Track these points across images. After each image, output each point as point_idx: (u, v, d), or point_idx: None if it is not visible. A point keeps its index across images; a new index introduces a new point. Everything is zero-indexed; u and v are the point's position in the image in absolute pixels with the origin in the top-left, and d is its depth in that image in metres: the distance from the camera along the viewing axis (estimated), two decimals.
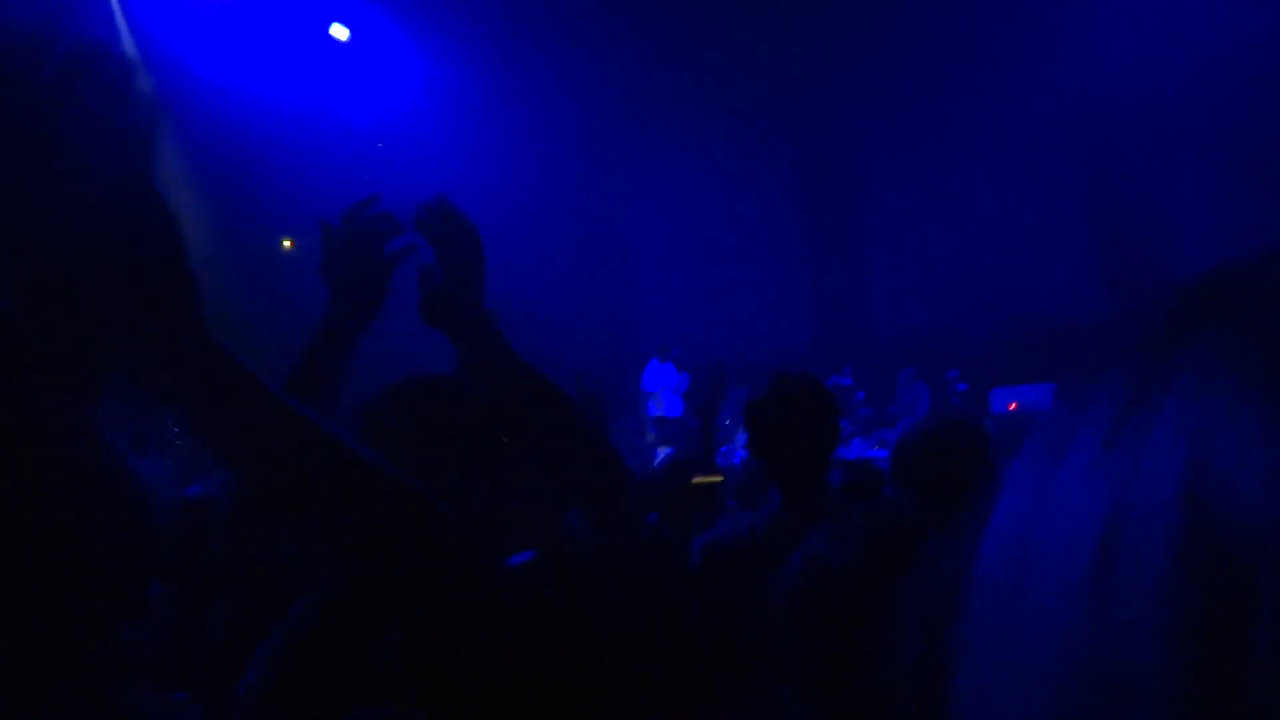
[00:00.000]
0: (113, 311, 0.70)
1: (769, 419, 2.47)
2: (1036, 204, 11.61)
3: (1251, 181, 10.30)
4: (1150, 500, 0.29)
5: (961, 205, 12.22)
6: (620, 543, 2.33)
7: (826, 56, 12.35)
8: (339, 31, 10.53)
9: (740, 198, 13.60)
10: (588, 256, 14.23)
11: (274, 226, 11.16)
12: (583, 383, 2.63)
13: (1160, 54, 10.85)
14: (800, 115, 13.45)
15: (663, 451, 8.63)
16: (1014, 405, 9.02)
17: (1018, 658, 0.31)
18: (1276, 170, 9.95)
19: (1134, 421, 0.31)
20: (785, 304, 13.13)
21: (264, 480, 0.82)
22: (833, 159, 13.28)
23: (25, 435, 0.66)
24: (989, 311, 11.23)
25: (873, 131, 12.91)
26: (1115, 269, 11.33)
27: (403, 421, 1.50)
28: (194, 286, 0.80)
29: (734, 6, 11.46)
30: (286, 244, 11.27)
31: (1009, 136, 11.79)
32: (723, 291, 13.42)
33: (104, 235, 0.70)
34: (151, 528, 0.78)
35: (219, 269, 10.15)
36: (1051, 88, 11.49)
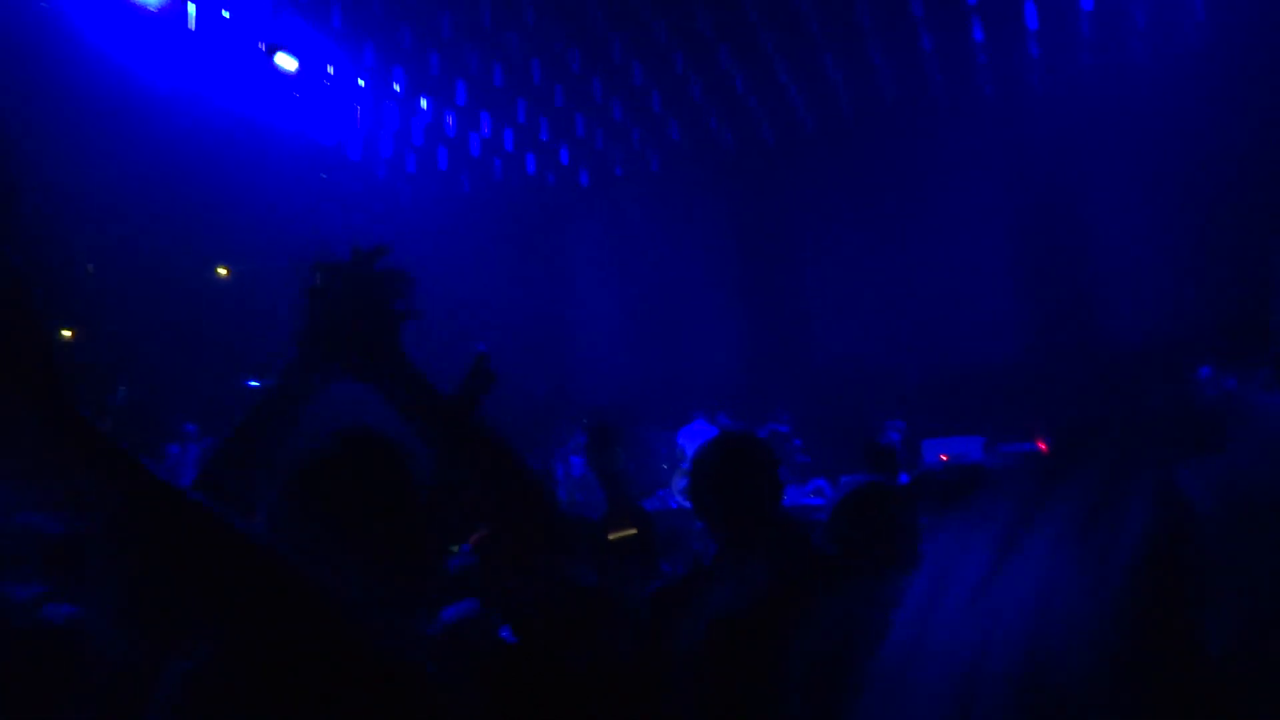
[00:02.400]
0: None
1: (709, 475, 2.48)
2: (972, 260, 11.94)
3: (1179, 240, 10.74)
4: (1004, 649, 0.32)
5: (899, 260, 12.51)
6: (554, 591, 2.33)
7: (768, 110, 12.62)
8: (286, 61, 10.43)
9: (679, 245, 13.76)
10: (525, 300, 14.24)
11: (210, 254, 10.96)
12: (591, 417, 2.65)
13: (1096, 117, 11.31)
14: (741, 166, 13.69)
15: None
16: (945, 457, 9.21)
17: None
18: (1205, 234, 10.41)
19: (1002, 565, 0.34)
20: (723, 351, 13.25)
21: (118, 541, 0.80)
22: (771, 206, 13.52)
23: None
24: (922, 363, 11.48)
25: (812, 184, 13.18)
26: (1045, 326, 11.68)
27: (337, 485, 1.46)
28: (45, 351, 0.74)
29: (677, 64, 11.67)
30: (222, 272, 11.07)
31: (948, 193, 12.13)
32: (657, 338, 13.52)
33: None
34: None
35: (153, 295, 9.92)
36: (989, 147, 11.88)
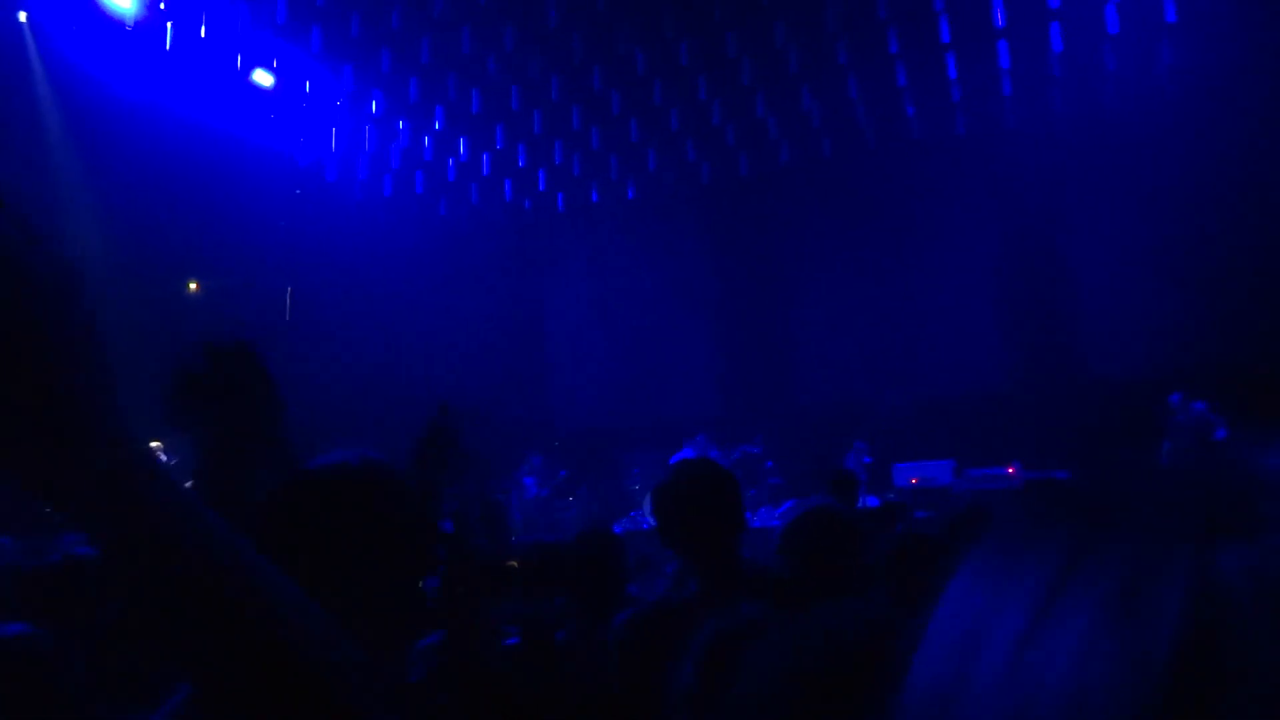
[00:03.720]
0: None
1: (671, 504, 2.53)
2: (946, 290, 12.09)
3: (1149, 272, 10.94)
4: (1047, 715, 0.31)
5: (874, 288, 12.65)
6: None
7: (745, 142, 12.77)
8: (263, 78, 10.43)
9: (655, 272, 13.83)
10: (500, 325, 14.24)
11: (182, 269, 10.87)
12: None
13: (1068, 153, 11.54)
14: (717, 196, 13.82)
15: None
16: (915, 480, 9.25)
17: None
18: (1176, 268, 10.62)
19: (1039, 630, 0.33)
20: (698, 376, 13.30)
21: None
22: (746, 236, 13.63)
23: None
24: (895, 389, 11.57)
25: (787, 215, 13.32)
26: (1017, 355, 11.83)
27: (312, 517, 1.37)
28: (109, 392, 0.65)
29: (655, 94, 11.80)
30: (192, 286, 10.97)
31: (922, 225, 12.30)
32: (633, 363, 13.54)
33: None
34: None
35: (122, 308, 9.81)
36: (963, 181, 12.07)
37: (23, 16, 9.17)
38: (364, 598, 1.26)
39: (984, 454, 9.25)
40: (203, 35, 9.73)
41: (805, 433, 10.85)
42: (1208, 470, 0.37)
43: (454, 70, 11.52)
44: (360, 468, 1.38)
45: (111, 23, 9.28)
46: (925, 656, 0.39)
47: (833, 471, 6.10)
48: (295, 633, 0.71)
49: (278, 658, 0.70)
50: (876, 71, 11.47)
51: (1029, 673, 0.32)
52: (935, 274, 12.12)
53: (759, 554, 3.16)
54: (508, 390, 13.46)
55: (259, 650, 0.69)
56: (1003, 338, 11.90)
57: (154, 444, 9.13)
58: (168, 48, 9.55)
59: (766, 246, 13.45)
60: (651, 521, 8.17)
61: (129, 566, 0.62)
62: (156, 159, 9.72)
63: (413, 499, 1.42)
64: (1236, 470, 0.36)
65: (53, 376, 0.59)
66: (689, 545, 2.52)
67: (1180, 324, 10.38)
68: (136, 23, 9.32)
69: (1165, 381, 9.22)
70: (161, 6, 9.47)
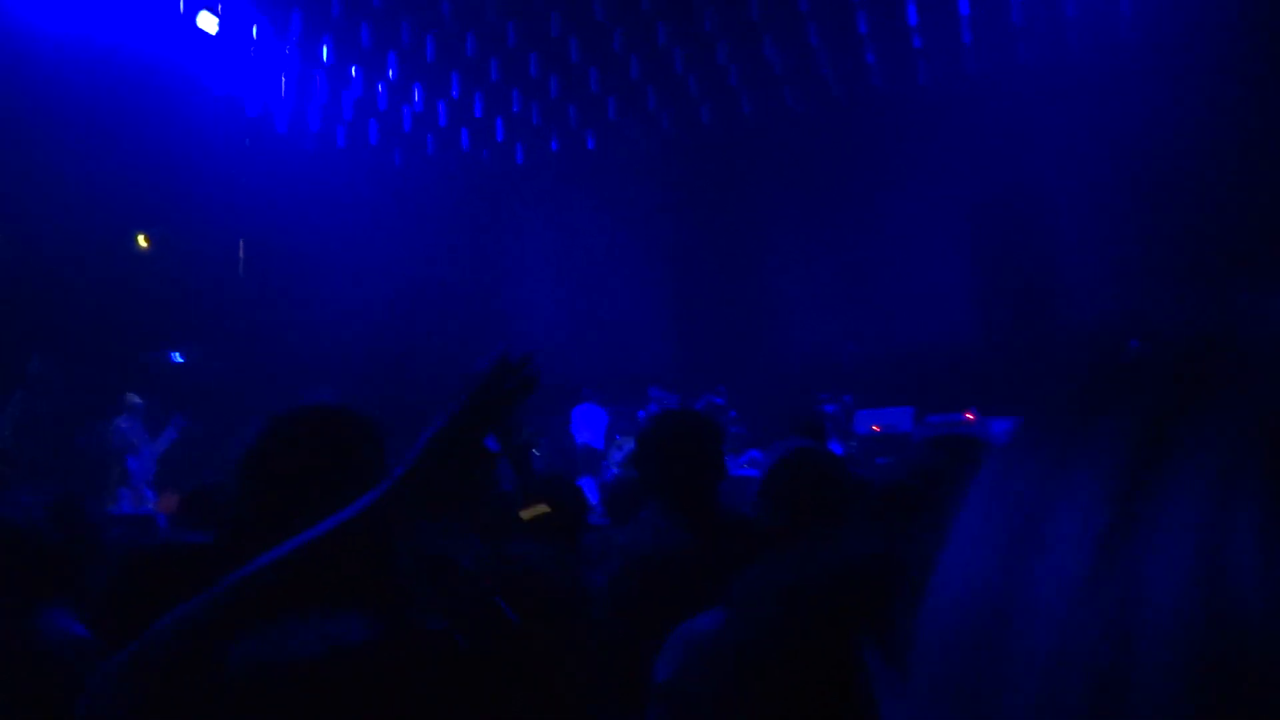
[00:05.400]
0: None
1: (654, 453, 2.66)
2: (907, 239, 12.12)
3: (1113, 224, 11.03)
4: (1160, 625, 0.25)
5: (836, 238, 12.65)
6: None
7: (706, 91, 12.62)
8: (207, 22, 10.07)
9: (616, 223, 13.69)
10: (459, 277, 14.07)
11: (129, 222, 10.56)
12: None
13: (1031, 103, 11.54)
14: (678, 146, 13.68)
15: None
16: (876, 427, 9.33)
17: None
18: (1140, 219, 10.70)
19: (1138, 513, 0.27)
20: (661, 326, 13.26)
21: None
22: (708, 186, 13.53)
23: None
24: (857, 338, 11.62)
25: (749, 165, 13.23)
26: (977, 304, 11.92)
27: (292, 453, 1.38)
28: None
29: (615, 41, 11.59)
30: (142, 240, 10.68)
31: (884, 174, 12.28)
32: (595, 314, 13.47)
33: None
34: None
35: (72, 265, 9.53)
36: (925, 131, 12.03)
37: None
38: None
39: (945, 402, 9.32)
40: None
41: (769, 384, 10.88)
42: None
43: (407, 15, 11.22)
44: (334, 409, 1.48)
45: None
46: (954, 569, 0.31)
47: (800, 417, 6.10)
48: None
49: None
50: (837, 18, 11.36)
51: (1124, 571, 0.26)
52: (899, 224, 12.13)
53: (725, 501, 3.15)
54: (466, 343, 13.35)
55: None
56: (965, 286, 11.97)
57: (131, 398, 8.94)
58: None
59: (729, 198, 13.36)
60: (615, 472, 8.18)
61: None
62: (101, 105, 9.39)
63: (379, 437, 1.47)
64: None
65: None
66: (673, 493, 2.63)
67: (1146, 271, 10.47)
68: None
69: (1130, 331, 9.29)
70: None
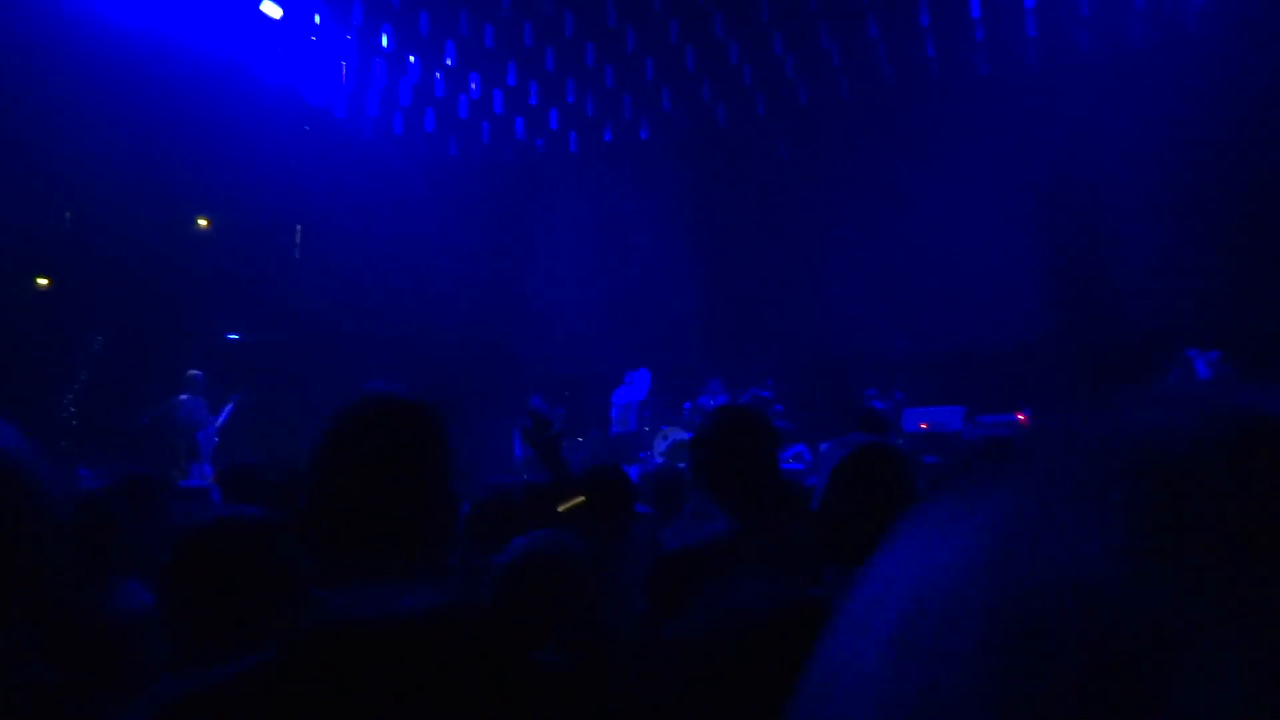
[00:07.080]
0: None
1: (713, 449, 2.62)
2: (962, 236, 11.92)
3: (1174, 223, 10.74)
4: (955, 565, 0.28)
5: (889, 233, 12.49)
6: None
7: (761, 81, 12.54)
8: (271, 9, 10.25)
9: (668, 213, 13.67)
10: (511, 265, 14.19)
11: (192, 204, 10.81)
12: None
13: (1093, 96, 11.29)
14: (732, 137, 13.62)
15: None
16: (924, 425, 9.24)
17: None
18: (1202, 218, 10.41)
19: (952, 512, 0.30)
20: (710, 317, 13.24)
21: None
22: (761, 177, 13.45)
23: None
24: (908, 334, 11.50)
25: (803, 156, 13.14)
26: (1033, 304, 11.68)
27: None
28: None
29: (671, 32, 11.57)
30: (202, 223, 10.92)
31: (940, 169, 12.10)
32: (643, 304, 13.47)
33: None
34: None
35: (132, 243, 9.78)
36: (984, 124, 11.83)
37: None
38: None
39: (999, 403, 9.19)
40: None
41: (814, 378, 10.82)
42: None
43: (465, 5, 11.30)
44: None
45: None
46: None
47: (862, 412, 6.06)
48: None
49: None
50: (898, 11, 11.21)
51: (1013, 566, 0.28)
52: (954, 219, 11.95)
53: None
54: (512, 331, 13.45)
55: None
56: (1023, 285, 11.75)
57: (193, 372, 9.19)
58: None
59: (782, 189, 13.27)
60: (658, 461, 8.20)
61: None
62: (165, 90, 9.61)
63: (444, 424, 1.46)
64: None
65: None
66: (726, 490, 2.60)
67: (1204, 270, 10.18)
68: None
69: (1190, 334, 9.04)
70: None
